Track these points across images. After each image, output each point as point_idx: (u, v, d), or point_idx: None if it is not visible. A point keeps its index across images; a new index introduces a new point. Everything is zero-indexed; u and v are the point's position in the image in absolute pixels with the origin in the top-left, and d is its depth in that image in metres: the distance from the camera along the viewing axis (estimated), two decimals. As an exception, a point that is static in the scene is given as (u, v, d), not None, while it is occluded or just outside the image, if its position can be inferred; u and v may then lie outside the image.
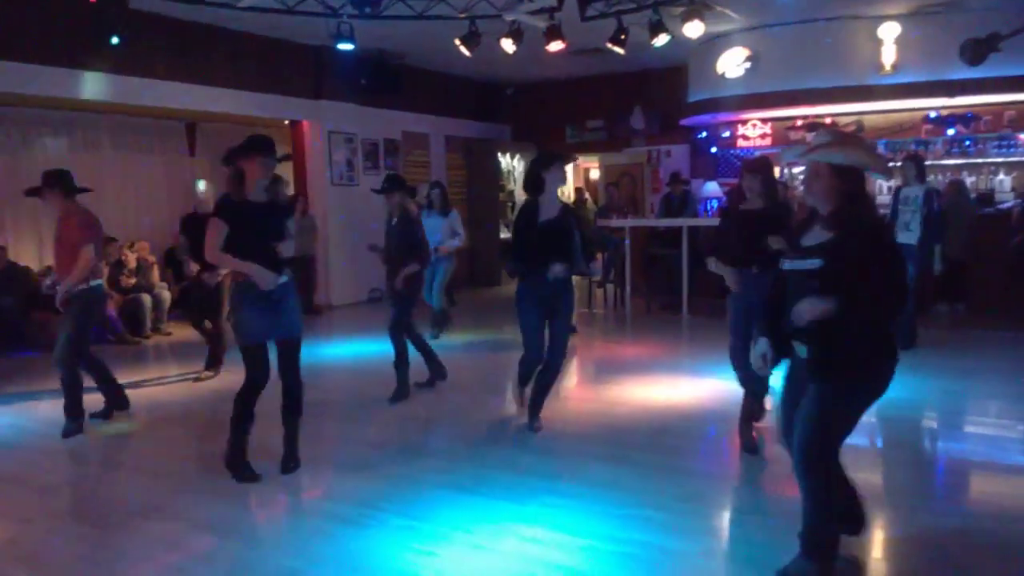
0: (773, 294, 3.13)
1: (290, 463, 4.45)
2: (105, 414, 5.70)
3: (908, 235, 7.20)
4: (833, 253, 2.84)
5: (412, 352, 6.16)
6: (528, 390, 5.28)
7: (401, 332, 6.13)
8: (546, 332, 5.09)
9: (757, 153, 11.97)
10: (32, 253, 9.61)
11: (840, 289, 2.78)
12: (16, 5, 8.02)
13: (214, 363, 7.02)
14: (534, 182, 4.98)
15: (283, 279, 4.25)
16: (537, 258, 4.90)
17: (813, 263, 2.87)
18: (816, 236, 2.95)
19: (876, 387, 2.94)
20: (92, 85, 8.70)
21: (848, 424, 2.95)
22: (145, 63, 9.13)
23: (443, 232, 8.30)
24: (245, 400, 4.28)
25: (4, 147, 9.49)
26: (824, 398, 2.89)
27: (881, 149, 11.01)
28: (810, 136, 6.70)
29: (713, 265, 4.61)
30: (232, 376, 7.05)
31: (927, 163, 10.70)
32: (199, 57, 9.82)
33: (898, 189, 7.54)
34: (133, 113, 10.43)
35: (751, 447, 4.65)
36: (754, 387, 4.63)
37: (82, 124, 10.18)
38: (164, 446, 5.29)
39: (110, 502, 4.14)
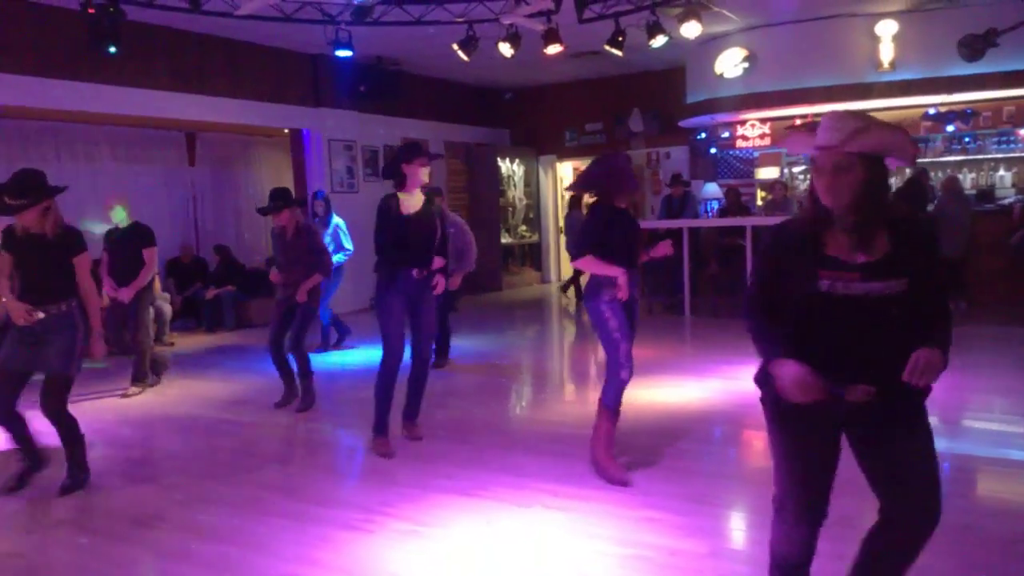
0: (797, 329, 2.31)
1: (68, 483, 4.35)
2: None
3: None
4: (920, 268, 2.24)
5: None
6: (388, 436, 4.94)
7: (304, 344, 6.04)
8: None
9: (757, 154, 11.98)
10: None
11: (927, 313, 2.26)
12: (13, 17, 8.04)
13: (140, 378, 6.77)
14: (393, 173, 4.75)
15: (40, 315, 4.16)
16: (399, 254, 4.70)
17: (898, 285, 2.22)
18: (842, 245, 2.27)
19: None
20: (91, 96, 8.71)
21: None
22: (144, 74, 9.15)
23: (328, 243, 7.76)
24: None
25: (3, 159, 9.49)
26: (930, 429, 2.38)
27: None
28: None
29: (593, 265, 4.20)
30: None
31: (927, 160, 10.76)
32: (198, 67, 9.84)
33: None
34: (132, 124, 10.44)
35: (624, 479, 4.20)
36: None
37: (81, 136, 10.18)
38: (151, 453, 5.27)
39: (109, 512, 4.11)
